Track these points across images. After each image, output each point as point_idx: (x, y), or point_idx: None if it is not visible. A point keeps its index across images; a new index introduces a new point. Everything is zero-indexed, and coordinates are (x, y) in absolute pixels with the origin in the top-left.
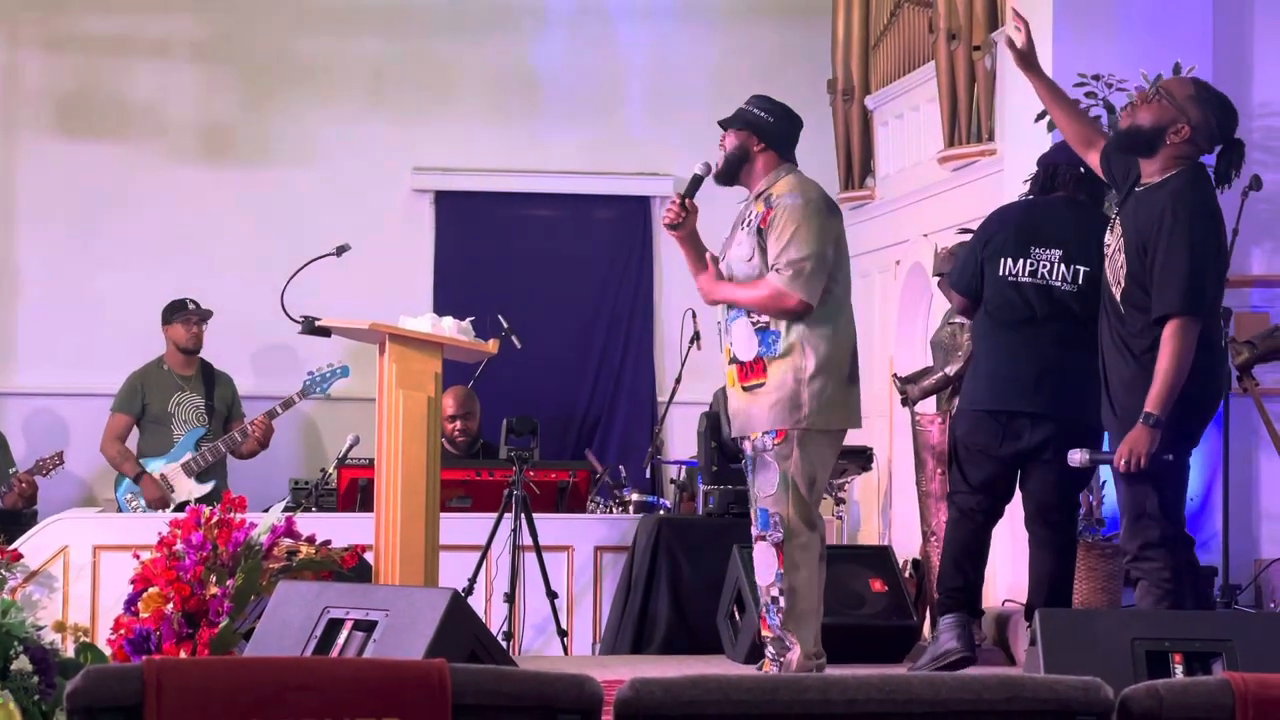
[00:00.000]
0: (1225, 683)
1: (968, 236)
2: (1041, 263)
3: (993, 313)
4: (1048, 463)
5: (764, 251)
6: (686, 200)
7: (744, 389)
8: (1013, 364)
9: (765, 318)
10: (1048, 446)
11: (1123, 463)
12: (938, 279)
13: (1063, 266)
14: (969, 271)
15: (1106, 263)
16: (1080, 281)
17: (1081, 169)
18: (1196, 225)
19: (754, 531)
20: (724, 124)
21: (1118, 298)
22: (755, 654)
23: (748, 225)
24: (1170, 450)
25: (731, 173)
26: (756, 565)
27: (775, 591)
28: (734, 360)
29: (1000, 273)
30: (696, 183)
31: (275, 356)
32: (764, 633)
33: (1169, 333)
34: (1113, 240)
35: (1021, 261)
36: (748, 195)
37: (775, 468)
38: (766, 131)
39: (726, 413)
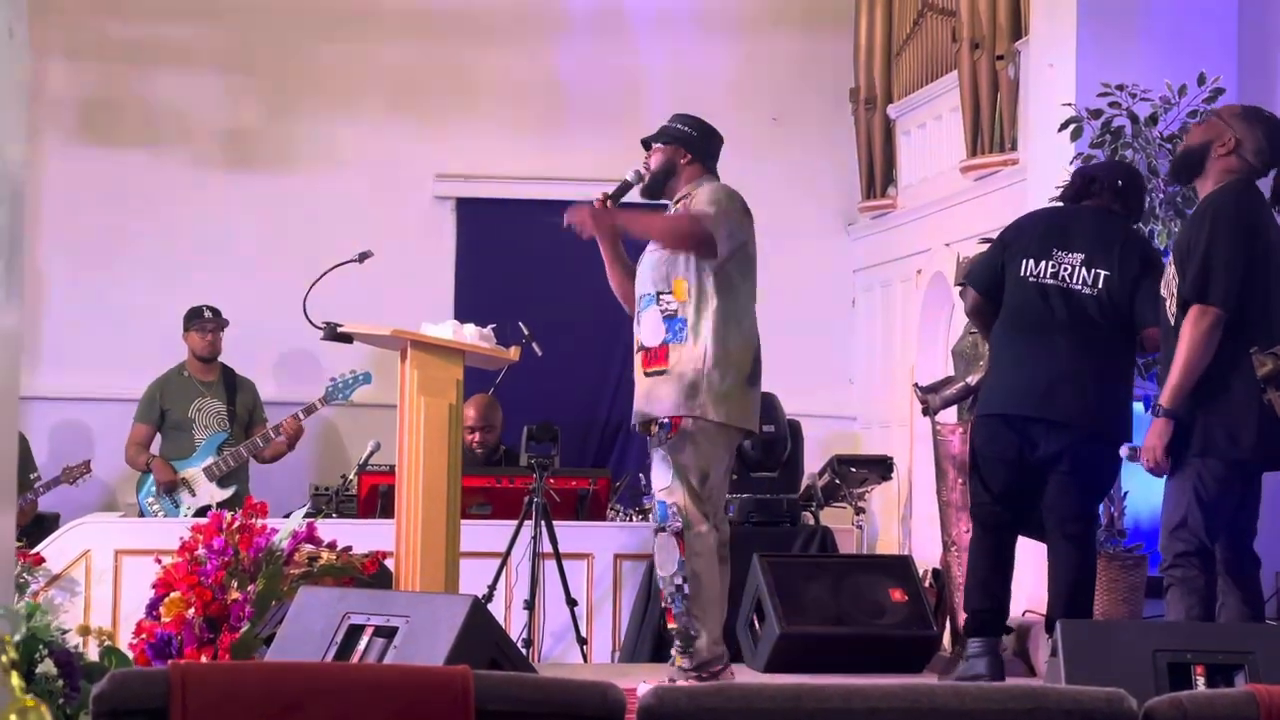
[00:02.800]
0: (1250, 695)
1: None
2: (1063, 265)
3: (1011, 315)
4: (1065, 473)
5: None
6: (609, 202)
7: (646, 374)
8: (1030, 369)
9: (675, 305)
10: (1064, 456)
11: (1145, 460)
12: (959, 288)
13: (1083, 270)
14: (990, 269)
15: (1163, 287)
16: (1100, 285)
17: (1120, 181)
18: (1221, 222)
19: (653, 525)
20: (649, 140)
21: (1170, 311)
22: (776, 662)
23: None
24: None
25: (657, 187)
26: (658, 558)
27: (679, 580)
28: (640, 348)
29: (1021, 273)
30: (624, 188)
31: (297, 362)
32: (670, 625)
33: (1186, 322)
34: (1169, 264)
35: (1043, 263)
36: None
37: (669, 461)
38: (692, 144)
39: None
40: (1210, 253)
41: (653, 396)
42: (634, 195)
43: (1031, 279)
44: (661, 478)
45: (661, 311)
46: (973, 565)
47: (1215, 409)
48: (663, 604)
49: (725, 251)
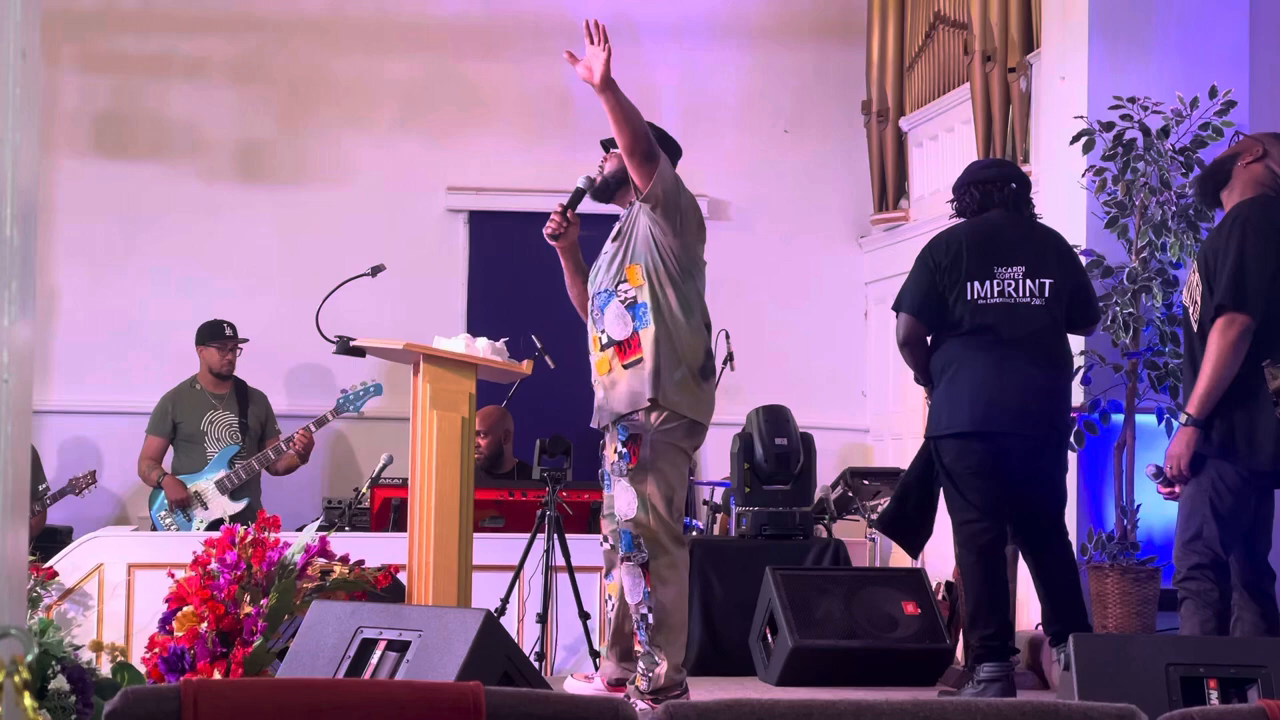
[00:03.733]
0: (1261, 710)
1: None
2: (1006, 281)
3: (966, 337)
4: (1043, 482)
5: (630, 236)
6: (568, 212)
7: (624, 367)
8: (995, 386)
9: (633, 292)
10: (1041, 467)
11: (1168, 467)
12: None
13: (1028, 281)
14: (930, 299)
15: (1186, 293)
16: (1048, 294)
17: (1013, 184)
18: (1251, 231)
19: (620, 553)
20: (605, 144)
21: (1194, 318)
22: (788, 676)
23: (613, 235)
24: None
25: (609, 191)
26: (625, 586)
27: (645, 609)
28: (610, 343)
29: (969, 297)
30: (578, 195)
31: (308, 375)
32: (635, 648)
33: (1214, 329)
34: (1193, 271)
35: (988, 283)
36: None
37: (632, 491)
38: None
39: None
40: (1242, 261)
41: (628, 389)
42: (588, 202)
43: (981, 302)
44: (627, 508)
45: (622, 302)
46: (974, 592)
47: (1237, 416)
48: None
49: (656, 187)
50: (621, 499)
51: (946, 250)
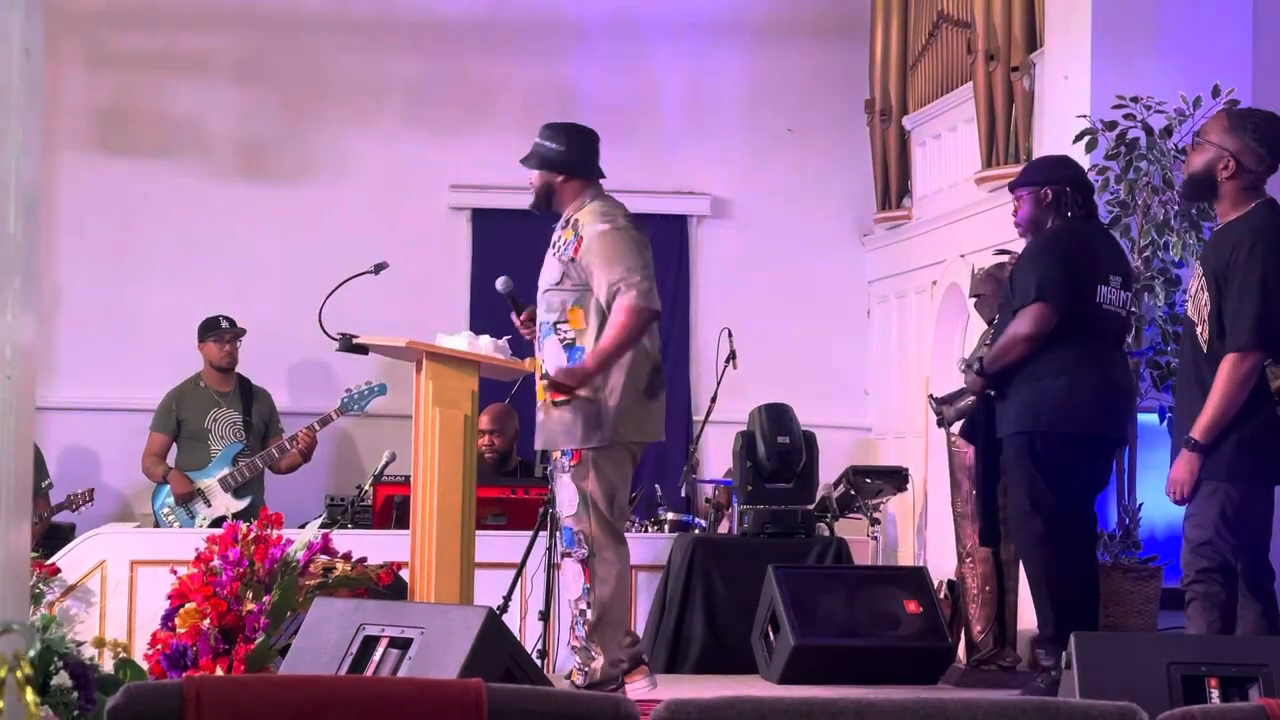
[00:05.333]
0: (1261, 709)
1: (1006, 258)
2: (1114, 289)
3: (1087, 338)
4: (1107, 486)
5: (577, 279)
6: (523, 315)
7: (555, 404)
8: (1115, 391)
9: (572, 334)
10: (1113, 470)
11: (1171, 491)
12: (974, 300)
13: (1123, 292)
14: (1074, 294)
15: (1190, 304)
16: (1130, 308)
17: (1089, 190)
18: (1271, 260)
19: (560, 549)
20: (523, 163)
21: (1202, 337)
22: (790, 674)
23: (557, 250)
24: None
25: (544, 205)
26: (564, 582)
27: (583, 605)
28: (545, 376)
29: (1096, 300)
30: (511, 300)
31: (311, 373)
32: (572, 643)
33: (1227, 363)
34: (1195, 282)
35: (1104, 289)
36: (560, 221)
37: (573, 487)
38: (562, 163)
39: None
40: (1265, 300)
41: (560, 426)
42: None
43: (1106, 306)
44: (569, 504)
45: (560, 340)
46: (1069, 588)
47: (1245, 435)
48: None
49: (656, 299)
50: (563, 494)
51: (1083, 249)
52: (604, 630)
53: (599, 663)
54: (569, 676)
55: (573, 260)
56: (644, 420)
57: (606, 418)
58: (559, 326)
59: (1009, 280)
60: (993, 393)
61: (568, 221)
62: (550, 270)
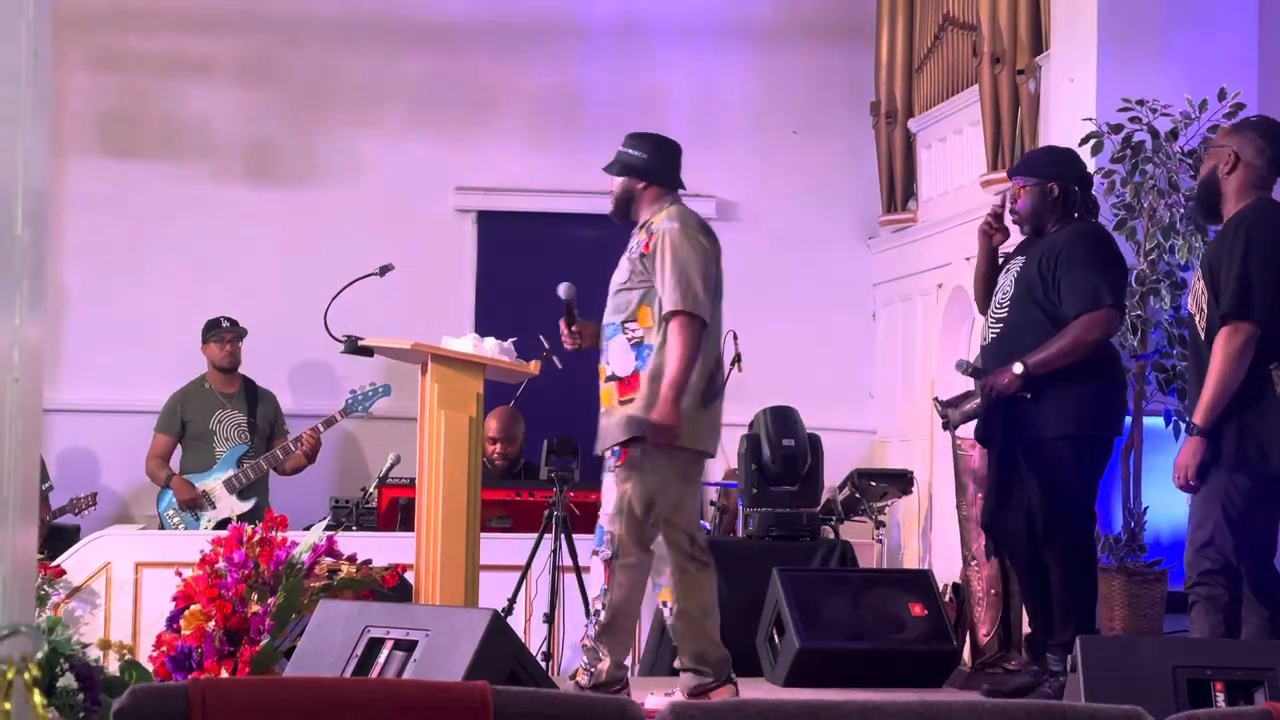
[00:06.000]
0: (1266, 712)
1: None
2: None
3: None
4: None
5: (645, 276)
6: (573, 326)
7: (621, 403)
8: (1123, 393)
9: (640, 332)
10: None
11: (1176, 478)
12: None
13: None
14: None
15: (1190, 300)
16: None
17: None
18: (1255, 239)
19: (593, 548)
20: (606, 170)
21: (1200, 326)
22: (795, 676)
23: (629, 252)
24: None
25: (622, 213)
26: (590, 579)
27: (598, 605)
28: (611, 378)
29: None
30: (568, 307)
31: (315, 375)
32: (582, 642)
33: (1219, 339)
34: (1195, 276)
35: None
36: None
37: (615, 489)
38: (643, 171)
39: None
40: (1246, 269)
41: (630, 424)
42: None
43: None
44: (607, 503)
45: (628, 339)
46: (1091, 593)
47: (1246, 423)
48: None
49: (707, 309)
50: (606, 493)
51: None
52: (614, 633)
53: (605, 664)
54: (574, 676)
55: (642, 257)
56: (695, 428)
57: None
58: (627, 326)
59: (1042, 277)
60: (1028, 395)
61: (643, 225)
62: (621, 271)
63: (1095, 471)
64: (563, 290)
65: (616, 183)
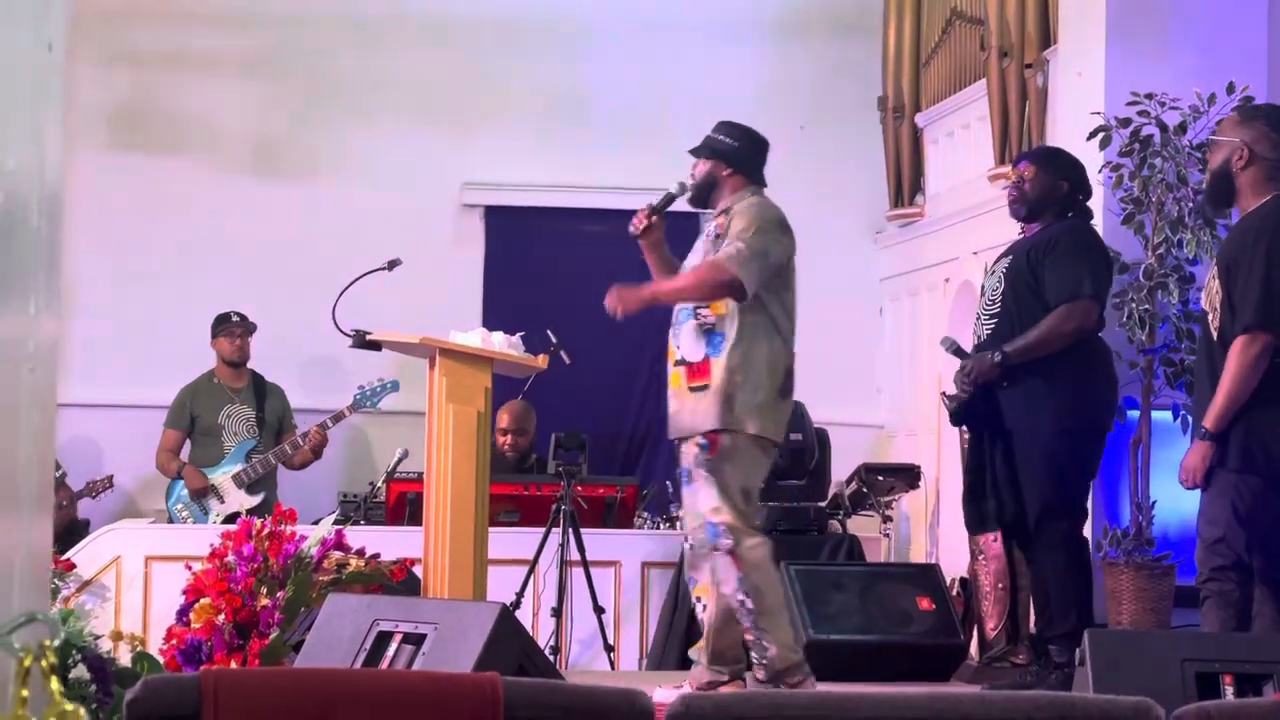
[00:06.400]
0: (1276, 705)
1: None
2: None
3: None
4: None
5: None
6: (655, 215)
7: (690, 389)
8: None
9: (712, 319)
10: None
11: (1184, 479)
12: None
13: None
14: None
15: (1204, 296)
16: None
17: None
18: (1276, 247)
19: (708, 545)
20: (693, 153)
21: (1213, 325)
22: None
23: (706, 236)
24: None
25: (702, 197)
26: (720, 579)
27: (741, 596)
28: (680, 362)
29: None
30: (669, 199)
31: (324, 370)
32: (746, 638)
33: (1236, 346)
34: (1210, 273)
35: None
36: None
37: (712, 481)
38: (731, 158)
39: None
40: (1269, 278)
41: (695, 411)
42: (681, 204)
43: None
44: (708, 498)
45: (699, 325)
46: (1077, 587)
47: (1254, 424)
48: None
49: (756, 287)
50: (703, 491)
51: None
52: (769, 614)
53: (773, 651)
54: (754, 675)
55: (718, 238)
56: (775, 419)
57: (739, 403)
58: (699, 312)
59: (1031, 270)
60: (1005, 384)
61: (723, 210)
62: (695, 254)
63: (1086, 466)
64: (675, 186)
65: (700, 169)
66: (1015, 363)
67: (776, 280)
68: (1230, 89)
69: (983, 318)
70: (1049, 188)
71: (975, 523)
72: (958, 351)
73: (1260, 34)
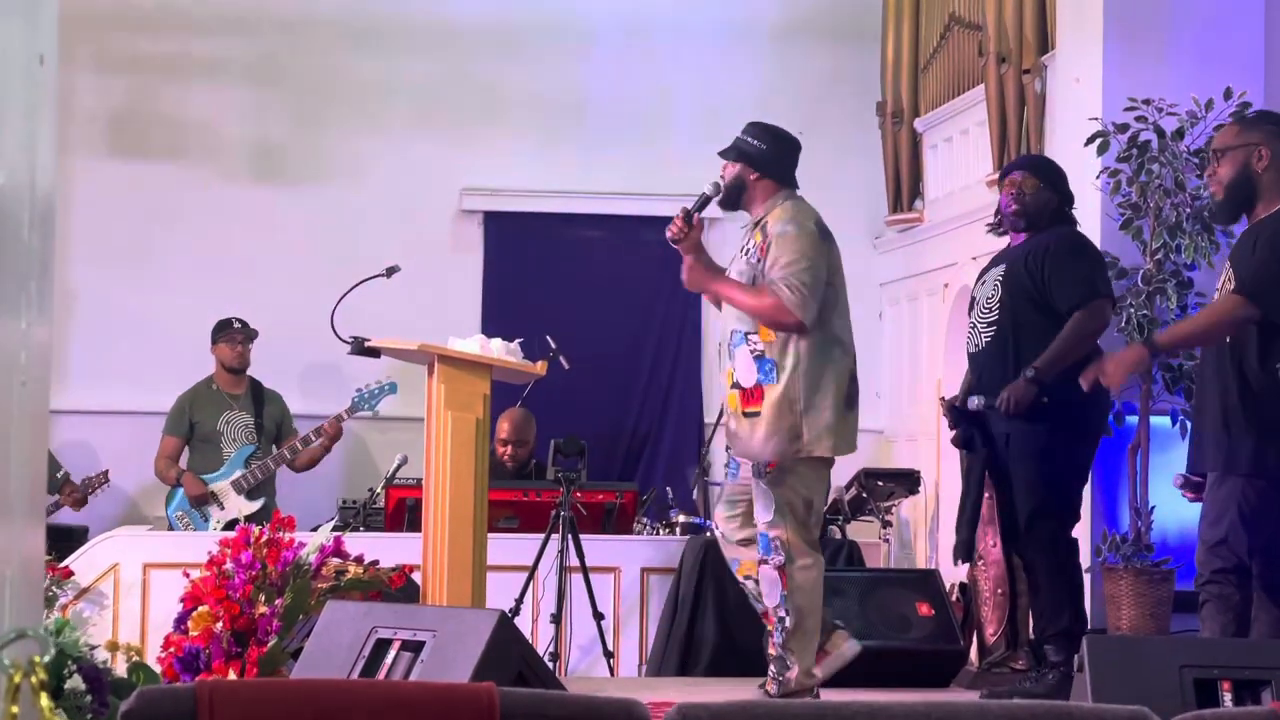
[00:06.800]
0: (1274, 712)
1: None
2: None
3: None
4: None
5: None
6: (693, 216)
7: (744, 415)
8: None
9: (762, 346)
10: None
11: (1099, 374)
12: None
13: None
14: None
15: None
16: None
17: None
18: None
19: (758, 556)
20: (721, 155)
21: None
22: None
23: (746, 254)
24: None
25: (732, 200)
26: (763, 589)
27: (781, 613)
28: (736, 385)
29: None
30: (704, 202)
31: (323, 376)
32: (769, 652)
33: (1227, 300)
34: (1225, 276)
35: None
36: (748, 221)
37: (771, 495)
38: (760, 161)
39: None
40: (1273, 261)
41: (754, 439)
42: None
43: None
44: (764, 511)
45: (751, 351)
46: (1076, 587)
47: (1267, 429)
48: (767, 632)
49: (814, 317)
50: (759, 503)
51: None
52: (801, 637)
53: (794, 672)
54: (762, 686)
55: (759, 262)
56: (840, 433)
57: (804, 432)
58: (750, 337)
59: (1030, 276)
60: (1045, 399)
61: (757, 223)
62: (740, 276)
63: (1079, 469)
64: (709, 187)
65: (729, 171)
66: (1047, 376)
67: (828, 290)
68: (1228, 94)
69: (979, 326)
70: (1046, 198)
71: (964, 552)
72: (987, 407)
73: (1257, 39)
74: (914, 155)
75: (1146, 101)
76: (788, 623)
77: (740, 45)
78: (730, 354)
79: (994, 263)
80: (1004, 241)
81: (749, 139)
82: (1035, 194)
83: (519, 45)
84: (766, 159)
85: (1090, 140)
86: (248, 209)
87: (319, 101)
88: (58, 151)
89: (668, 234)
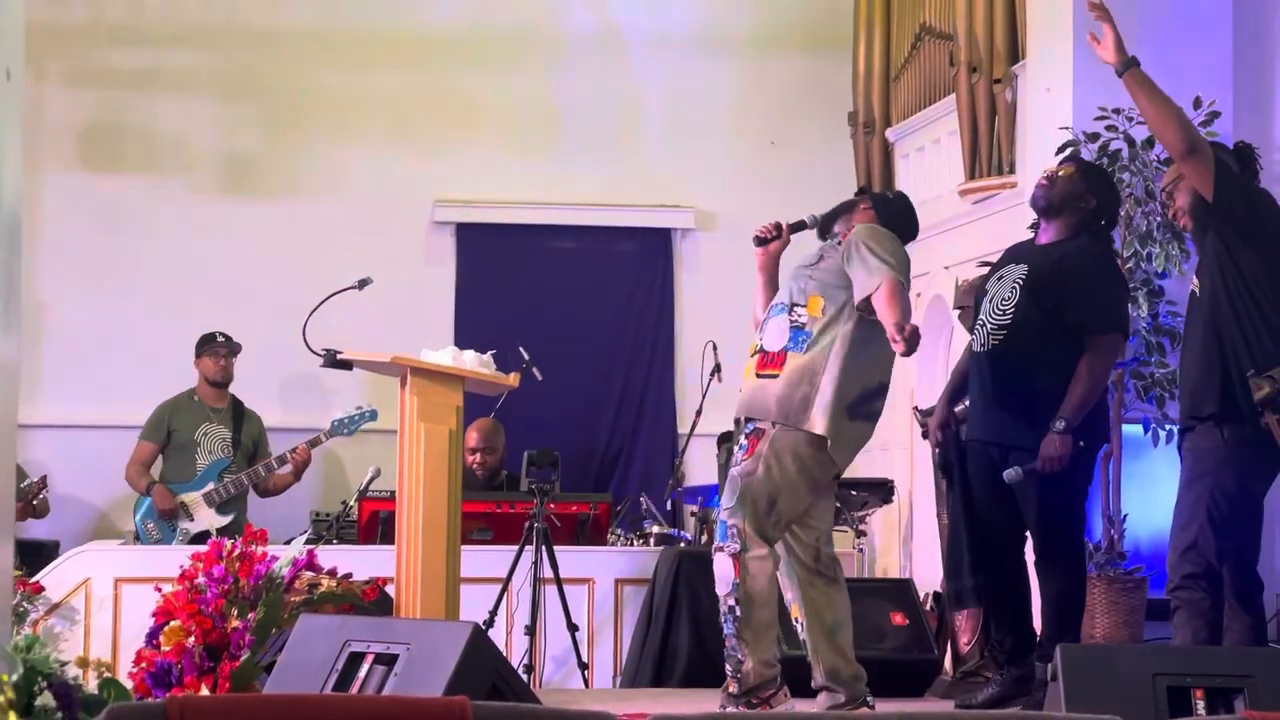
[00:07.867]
0: None
1: (988, 270)
2: None
3: None
4: None
5: (835, 264)
6: (785, 226)
7: (758, 375)
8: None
9: (805, 319)
10: None
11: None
12: (958, 311)
13: None
14: None
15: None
16: None
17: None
18: None
19: (715, 541)
20: (861, 190)
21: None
22: None
23: (818, 258)
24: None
25: (826, 230)
26: (716, 576)
27: (732, 601)
28: (759, 350)
29: None
30: (800, 226)
31: (300, 389)
32: (725, 644)
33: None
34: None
35: None
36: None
37: (738, 483)
38: (880, 207)
39: None
40: None
41: (759, 396)
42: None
43: None
44: (728, 498)
45: (790, 321)
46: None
47: (1238, 433)
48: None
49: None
50: (728, 489)
51: None
52: (754, 628)
53: (749, 665)
54: (724, 688)
55: (836, 243)
56: (837, 430)
57: (814, 406)
58: (795, 309)
59: (1053, 286)
60: (1081, 443)
61: (838, 232)
62: (810, 256)
63: (1086, 482)
64: (809, 217)
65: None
66: (1075, 424)
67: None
68: (1197, 103)
69: (990, 325)
70: (1077, 195)
71: (954, 600)
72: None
73: (1225, 49)
74: (886, 165)
75: (1117, 110)
76: (737, 611)
77: (712, 56)
78: (764, 325)
79: (1013, 259)
80: (1005, 242)
81: (886, 193)
82: (1066, 183)
83: (491, 57)
84: (892, 210)
85: (1061, 149)
86: (220, 222)
87: (291, 114)
88: (27, 166)
89: (757, 231)
